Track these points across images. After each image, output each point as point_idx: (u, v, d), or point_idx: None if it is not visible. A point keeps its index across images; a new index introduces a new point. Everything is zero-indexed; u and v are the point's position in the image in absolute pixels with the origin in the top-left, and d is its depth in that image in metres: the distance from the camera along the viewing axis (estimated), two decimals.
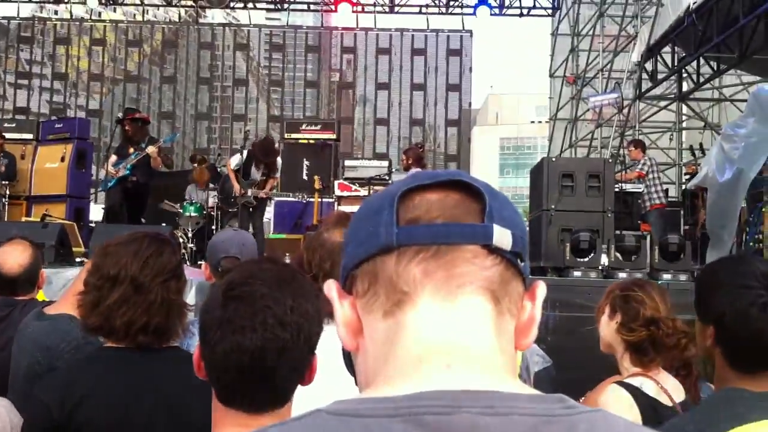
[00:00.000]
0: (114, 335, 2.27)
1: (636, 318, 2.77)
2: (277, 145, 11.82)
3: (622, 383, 2.74)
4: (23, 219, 10.76)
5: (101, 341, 2.40)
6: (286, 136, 13.53)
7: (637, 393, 2.67)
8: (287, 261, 2.06)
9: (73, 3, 20.84)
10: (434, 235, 0.85)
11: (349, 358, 0.98)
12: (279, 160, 10.72)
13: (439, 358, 0.83)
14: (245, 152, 10.41)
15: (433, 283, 0.85)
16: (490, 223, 0.86)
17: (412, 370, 0.84)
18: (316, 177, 11.90)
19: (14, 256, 3.57)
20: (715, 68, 14.02)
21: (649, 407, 2.63)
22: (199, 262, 9.18)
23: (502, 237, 0.86)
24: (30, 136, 12.11)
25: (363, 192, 10.89)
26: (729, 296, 1.88)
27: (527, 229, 0.93)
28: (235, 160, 10.51)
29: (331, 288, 0.92)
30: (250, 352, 1.54)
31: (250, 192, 10.14)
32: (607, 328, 2.87)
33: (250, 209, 10.29)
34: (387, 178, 11.85)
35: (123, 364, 2.25)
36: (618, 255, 8.05)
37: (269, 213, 11.81)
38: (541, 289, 0.91)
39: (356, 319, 0.90)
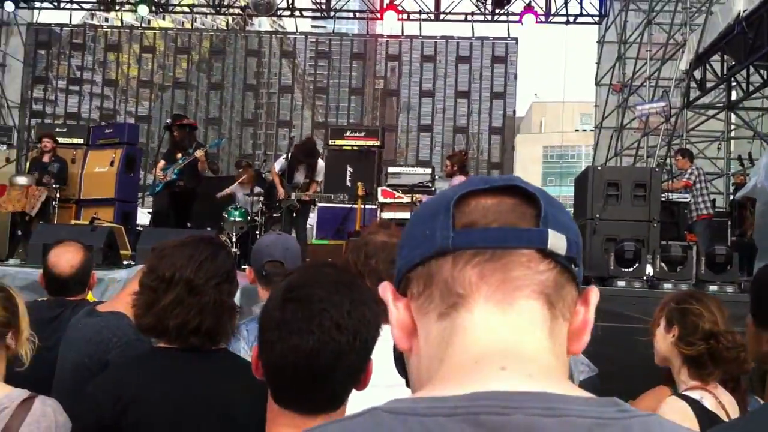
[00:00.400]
0: (166, 336, 2.30)
1: (694, 332, 2.73)
2: (319, 147, 11.89)
3: (681, 395, 2.71)
4: (72, 222, 10.97)
5: (152, 340, 2.44)
6: (330, 142, 13.58)
7: (696, 406, 2.64)
8: None
9: (124, 11, 21.20)
10: (490, 239, 0.87)
11: (399, 360, 1.00)
12: (321, 162, 10.75)
13: (494, 360, 0.84)
14: (289, 155, 10.53)
15: (489, 287, 0.87)
16: (545, 228, 0.87)
17: (468, 371, 0.85)
18: (359, 183, 11.92)
19: (66, 258, 3.64)
20: (765, 77, 13.80)
21: (707, 421, 2.58)
22: (243, 266, 9.27)
23: (557, 241, 0.87)
24: (81, 140, 12.36)
25: (406, 199, 10.87)
26: None
27: (580, 235, 0.94)
28: (278, 164, 10.63)
29: (386, 290, 0.94)
30: (306, 353, 1.56)
31: (293, 195, 10.23)
32: (664, 341, 2.83)
33: (294, 213, 10.37)
34: (430, 185, 11.83)
35: (174, 365, 2.28)
36: (663, 265, 7.95)
37: (312, 219, 11.89)
38: (594, 294, 0.92)
39: (410, 321, 0.92)
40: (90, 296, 3.90)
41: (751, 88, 14.24)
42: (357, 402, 1.55)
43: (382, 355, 1.64)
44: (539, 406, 0.79)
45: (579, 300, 0.91)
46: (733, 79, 14.52)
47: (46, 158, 11.23)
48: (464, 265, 0.87)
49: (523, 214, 0.88)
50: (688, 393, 2.70)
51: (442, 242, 0.88)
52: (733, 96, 15.24)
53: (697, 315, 2.74)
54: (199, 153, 10.65)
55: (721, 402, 2.67)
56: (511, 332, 0.86)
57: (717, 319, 2.73)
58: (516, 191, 0.89)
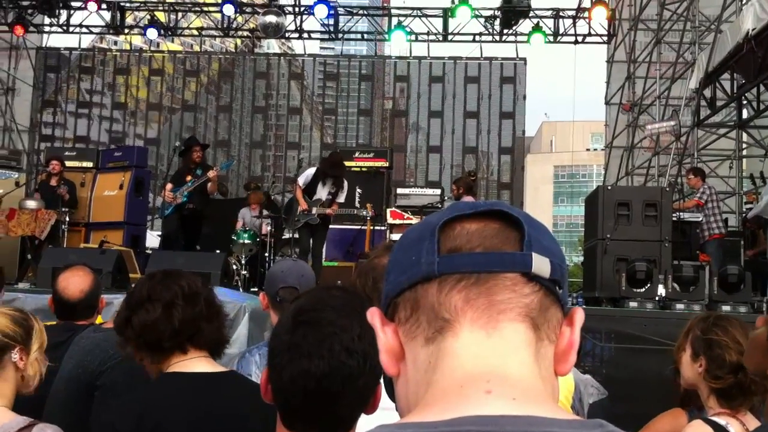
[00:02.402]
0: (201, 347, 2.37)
1: (722, 365, 2.70)
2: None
3: (707, 420, 2.68)
4: (82, 245, 11.01)
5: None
6: None
7: None
8: None
9: (133, 34, 21.35)
10: (475, 263, 0.87)
11: (390, 384, 0.99)
12: (346, 183, 10.56)
13: (479, 384, 0.84)
14: (313, 170, 10.42)
15: (474, 311, 0.87)
16: (528, 252, 0.88)
17: (453, 396, 0.85)
18: (368, 204, 11.92)
19: (75, 282, 3.63)
20: None
21: None
22: (252, 289, 9.26)
23: (541, 265, 0.88)
24: (90, 164, 12.42)
25: (415, 220, 10.85)
26: None
27: (565, 257, 0.95)
28: (302, 178, 10.39)
29: (374, 315, 0.94)
30: (316, 378, 1.56)
31: (314, 210, 10.04)
32: (691, 370, 2.80)
33: (312, 230, 10.15)
34: (440, 206, 11.81)
35: (190, 389, 2.29)
36: (675, 285, 7.90)
37: None
38: (579, 315, 0.92)
39: (398, 346, 0.92)
40: (99, 320, 3.90)
41: (762, 107, 14.18)
42: (366, 425, 1.58)
43: None
44: (522, 429, 0.79)
45: (564, 321, 0.92)
46: (743, 97, 14.46)
47: (53, 181, 11.28)
48: (450, 290, 0.88)
49: (507, 239, 0.89)
50: (714, 418, 2.67)
51: (427, 267, 0.88)
52: (744, 114, 15.18)
53: (723, 347, 2.71)
54: (212, 173, 10.69)
55: (748, 429, 2.63)
56: (497, 356, 0.86)
57: (744, 348, 2.66)
58: (500, 216, 0.91)
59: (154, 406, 2.24)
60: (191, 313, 2.33)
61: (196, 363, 2.34)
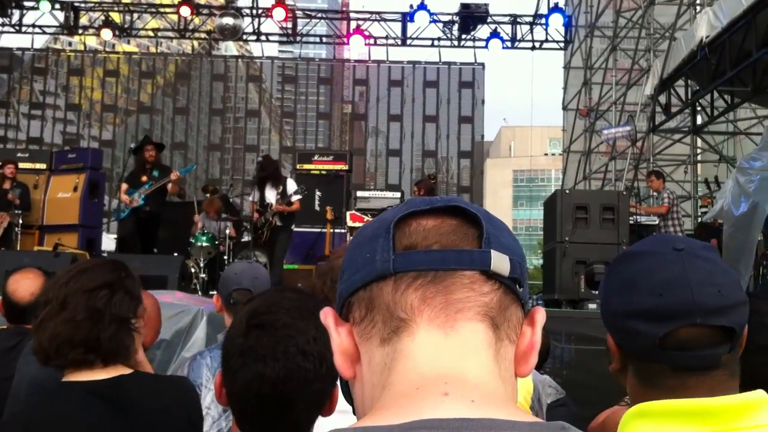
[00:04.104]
0: (44, 356, 2.15)
1: None
2: (287, 171, 11.73)
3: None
4: (35, 248, 10.80)
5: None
6: (298, 166, 13.53)
7: None
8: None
9: (87, 35, 21.05)
10: (431, 261, 0.84)
11: (346, 386, 0.95)
12: (291, 181, 10.49)
13: (436, 386, 0.81)
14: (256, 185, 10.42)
15: (431, 309, 0.83)
16: (487, 249, 0.84)
17: (409, 399, 0.81)
18: (328, 208, 11.87)
19: (25, 285, 3.56)
20: (729, 102, 13.99)
21: None
22: (210, 292, 9.15)
23: (500, 262, 0.85)
24: (43, 166, 12.18)
25: None
26: None
27: (524, 254, 0.92)
28: (253, 196, 10.46)
29: (327, 315, 0.91)
30: (272, 381, 1.53)
31: (268, 213, 10.01)
32: None
33: (274, 235, 10.09)
34: None
35: (83, 400, 2.11)
36: None
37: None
38: (540, 314, 0.89)
39: (353, 347, 0.89)
40: None
41: (716, 113, 14.42)
42: (323, 427, 1.58)
43: None
44: None
45: (525, 321, 0.88)
46: (697, 103, 14.70)
47: (7, 184, 11.06)
48: (406, 289, 0.84)
49: (464, 235, 0.86)
50: None
51: (382, 265, 0.85)
52: (698, 120, 15.43)
53: None
54: (174, 175, 10.56)
55: None
56: (454, 357, 0.83)
57: None
58: (457, 212, 0.87)
59: (41, 418, 2.10)
60: (55, 329, 2.10)
61: (93, 372, 2.13)
